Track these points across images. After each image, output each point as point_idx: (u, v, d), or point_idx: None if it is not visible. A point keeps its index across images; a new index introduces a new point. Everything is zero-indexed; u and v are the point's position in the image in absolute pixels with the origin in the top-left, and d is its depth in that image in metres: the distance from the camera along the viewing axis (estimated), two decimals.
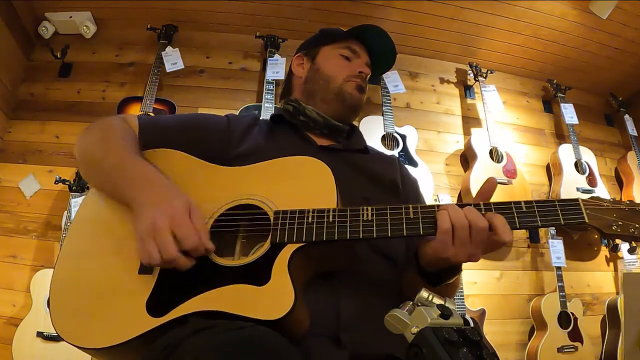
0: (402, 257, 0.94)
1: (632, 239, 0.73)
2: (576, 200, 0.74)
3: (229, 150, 0.97)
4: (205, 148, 0.95)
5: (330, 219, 0.74)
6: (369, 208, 0.75)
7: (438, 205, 0.74)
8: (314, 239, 0.73)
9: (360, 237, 0.73)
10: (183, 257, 0.71)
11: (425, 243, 0.76)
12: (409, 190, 1.07)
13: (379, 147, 2.38)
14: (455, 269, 0.79)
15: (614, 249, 2.68)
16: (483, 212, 0.73)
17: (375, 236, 0.73)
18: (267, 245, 0.73)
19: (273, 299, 0.66)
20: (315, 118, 1.06)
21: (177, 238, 0.70)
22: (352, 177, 0.95)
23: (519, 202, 0.73)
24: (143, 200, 0.75)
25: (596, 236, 2.74)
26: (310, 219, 0.74)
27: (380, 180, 1.00)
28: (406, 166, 1.19)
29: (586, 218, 0.72)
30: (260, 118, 1.13)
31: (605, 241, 2.69)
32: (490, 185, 0.78)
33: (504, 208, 0.74)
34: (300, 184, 0.81)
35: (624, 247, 2.60)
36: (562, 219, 0.72)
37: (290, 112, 1.08)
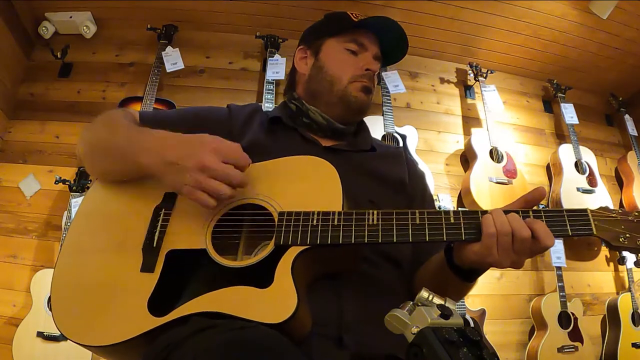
0: (408, 259, 0.93)
1: (638, 251, 0.72)
2: (584, 210, 0.72)
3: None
4: None
5: (336, 222, 0.73)
6: (375, 212, 0.74)
7: (482, 211, 0.72)
8: (318, 242, 0.72)
9: (365, 241, 0.72)
10: (245, 176, 0.74)
11: (466, 245, 0.74)
12: (414, 186, 1.04)
13: None
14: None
15: (621, 261, 2.63)
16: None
17: (380, 241, 0.72)
18: (270, 246, 0.73)
19: (275, 302, 0.65)
20: (320, 121, 1.02)
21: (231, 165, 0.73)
22: (358, 179, 0.92)
23: (526, 211, 0.72)
24: (174, 157, 0.74)
25: None
26: (315, 221, 0.73)
27: (386, 181, 0.98)
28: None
29: (594, 230, 0.71)
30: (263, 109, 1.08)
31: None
32: (539, 195, 0.75)
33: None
34: (305, 185, 0.80)
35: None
36: (570, 230, 0.71)
37: (293, 112, 1.04)
